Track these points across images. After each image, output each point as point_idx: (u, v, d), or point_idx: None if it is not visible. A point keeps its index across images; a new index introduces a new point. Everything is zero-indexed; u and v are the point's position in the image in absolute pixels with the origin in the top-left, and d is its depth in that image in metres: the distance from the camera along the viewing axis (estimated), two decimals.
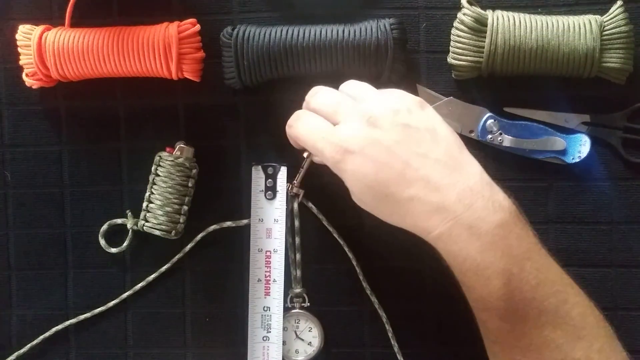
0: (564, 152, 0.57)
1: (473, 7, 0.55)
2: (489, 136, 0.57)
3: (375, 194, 0.48)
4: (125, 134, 0.60)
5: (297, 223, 0.58)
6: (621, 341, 0.58)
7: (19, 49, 0.57)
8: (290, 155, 0.58)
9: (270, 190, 0.59)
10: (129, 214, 0.59)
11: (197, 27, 0.57)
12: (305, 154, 0.56)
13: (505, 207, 0.46)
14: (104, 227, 0.60)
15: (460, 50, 0.56)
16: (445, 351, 0.59)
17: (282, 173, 0.58)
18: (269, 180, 0.58)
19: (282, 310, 0.58)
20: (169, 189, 0.58)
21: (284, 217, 0.58)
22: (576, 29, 0.54)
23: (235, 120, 0.60)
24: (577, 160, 0.57)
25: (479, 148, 0.58)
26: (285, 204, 0.58)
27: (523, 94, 0.58)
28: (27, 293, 0.61)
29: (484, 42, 0.55)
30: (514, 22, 0.54)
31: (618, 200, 0.58)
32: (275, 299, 0.58)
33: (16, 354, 0.60)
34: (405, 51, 0.57)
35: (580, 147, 0.57)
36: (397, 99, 0.49)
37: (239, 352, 0.59)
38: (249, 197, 0.59)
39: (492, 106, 0.58)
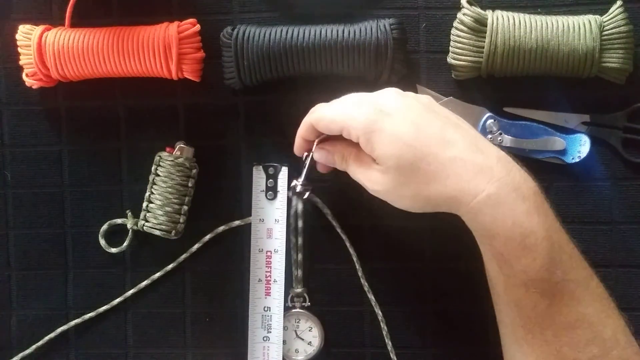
0: (564, 152, 0.57)
1: (473, 7, 0.55)
2: (489, 136, 0.57)
3: (415, 154, 0.45)
4: (125, 134, 0.60)
5: (300, 223, 0.58)
6: None
7: (19, 49, 0.58)
8: (291, 155, 0.58)
9: (271, 191, 0.59)
10: (129, 214, 0.59)
11: (197, 27, 0.57)
12: (304, 154, 0.56)
13: (532, 178, 0.47)
14: (104, 227, 0.60)
15: (460, 50, 0.56)
16: (445, 351, 0.59)
17: (283, 173, 0.58)
18: (270, 180, 0.58)
19: (282, 310, 0.58)
20: (169, 189, 0.58)
21: (285, 217, 0.58)
22: (576, 29, 0.54)
23: (235, 120, 0.60)
24: (577, 160, 0.57)
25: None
26: (286, 204, 0.58)
27: (523, 94, 0.58)
28: (27, 293, 0.61)
29: (484, 42, 0.55)
30: (514, 22, 0.54)
31: (618, 200, 0.58)
32: (276, 299, 0.58)
33: (20, 355, 0.60)
34: (405, 51, 0.57)
35: (580, 147, 0.57)
36: (415, 96, 0.51)
37: (239, 352, 0.59)
38: (249, 197, 0.59)
39: (492, 106, 0.58)
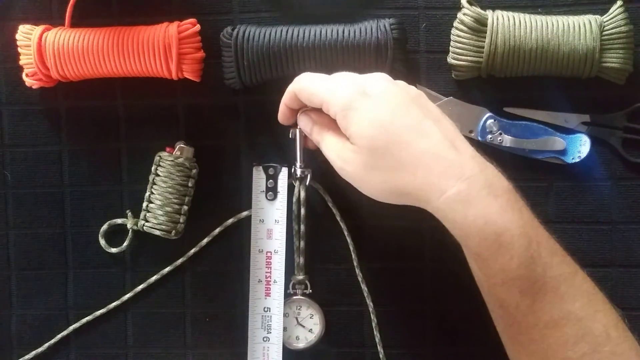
0: (564, 152, 0.57)
1: (473, 7, 0.55)
2: (489, 136, 0.57)
3: (388, 138, 0.45)
4: (125, 134, 0.60)
5: (303, 210, 0.58)
6: None
7: (19, 49, 0.58)
8: (291, 155, 0.58)
9: (271, 191, 0.58)
10: (129, 214, 0.59)
11: (197, 27, 0.57)
12: (291, 131, 0.56)
13: (505, 177, 0.46)
14: (104, 227, 0.60)
15: (460, 50, 0.56)
16: (444, 351, 0.59)
17: (283, 174, 0.58)
18: (270, 180, 0.58)
19: (282, 311, 0.58)
20: (169, 189, 0.58)
21: (285, 218, 0.58)
22: (576, 29, 0.54)
23: (235, 120, 0.60)
24: (577, 160, 0.57)
25: (479, 148, 0.58)
26: (286, 205, 0.58)
27: (523, 94, 0.58)
28: (27, 293, 0.61)
29: (484, 42, 0.55)
30: (514, 22, 0.54)
31: (618, 200, 0.58)
32: (276, 300, 0.58)
33: (24, 358, 0.61)
34: (405, 51, 0.57)
35: (580, 147, 0.57)
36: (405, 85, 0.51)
37: (239, 352, 0.59)
38: (249, 197, 0.59)
39: (492, 106, 0.58)
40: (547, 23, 0.54)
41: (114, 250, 0.60)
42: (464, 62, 0.56)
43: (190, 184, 0.58)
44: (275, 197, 0.59)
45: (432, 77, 0.58)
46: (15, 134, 0.61)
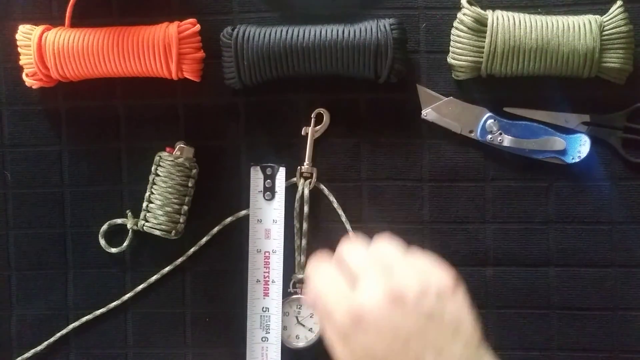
0: (564, 152, 0.57)
1: (473, 7, 0.55)
2: (489, 136, 0.57)
3: None
4: (125, 134, 0.60)
5: (306, 209, 0.58)
6: (621, 341, 0.59)
7: (19, 49, 0.57)
8: (291, 155, 0.58)
9: (269, 191, 0.59)
10: (129, 214, 0.59)
11: (197, 27, 0.57)
12: (303, 129, 0.56)
13: None
14: (104, 227, 0.60)
15: (460, 50, 0.56)
16: None
17: (281, 173, 0.58)
18: (268, 180, 0.58)
19: (281, 311, 0.58)
20: (169, 189, 0.58)
21: (283, 218, 0.58)
22: (576, 29, 0.54)
23: (235, 120, 0.60)
24: (577, 160, 0.57)
25: (479, 148, 0.58)
26: (283, 205, 0.58)
27: (523, 94, 0.58)
28: (27, 293, 0.61)
29: (484, 42, 0.55)
30: (514, 22, 0.54)
31: (618, 200, 0.58)
32: (274, 300, 0.58)
33: (20, 358, 0.60)
34: (405, 51, 0.57)
35: (580, 147, 0.57)
36: (428, 277, 0.43)
37: (239, 352, 0.59)
38: (248, 196, 0.59)
39: (492, 106, 0.58)
40: (547, 23, 0.54)
41: (114, 250, 0.60)
42: (464, 62, 0.56)
43: (190, 184, 0.58)
44: (273, 197, 0.59)
45: (432, 77, 0.58)
46: (15, 134, 0.61)
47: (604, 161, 0.58)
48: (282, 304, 0.59)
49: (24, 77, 0.58)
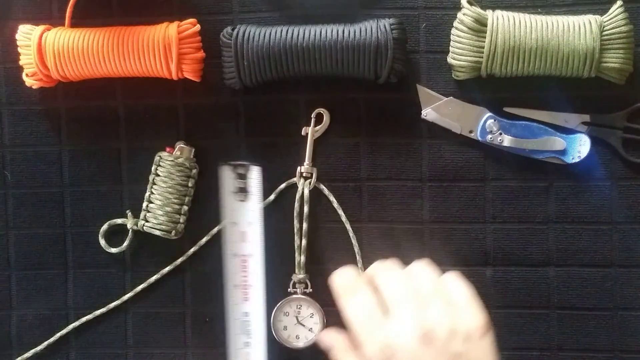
0: (564, 152, 0.57)
1: (473, 7, 0.55)
2: (489, 136, 0.57)
3: None
4: (125, 134, 0.60)
5: (306, 209, 0.58)
6: (621, 341, 0.59)
7: (19, 49, 0.58)
8: (291, 155, 0.58)
9: (242, 192, 0.57)
10: (129, 214, 0.59)
11: (197, 27, 0.57)
12: (303, 129, 0.56)
13: None
14: (104, 227, 0.60)
15: (460, 50, 0.56)
16: None
17: (255, 173, 0.56)
18: (240, 180, 0.56)
19: (263, 312, 0.57)
20: (169, 189, 0.58)
21: (259, 220, 0.57)
22: (576, 29, 0.54)
23: (235, 120, 0.60)
24: (577, 160, 0.57)
25: (479, 148, 0.58)
26: (259, 206, 0.56)
27: (523, 94, 0.58)
28: (27, 293, 0.61)
29: (484, 42, 0.55)
30: (514, 22, 0.54)
31: (618, 200, 0.58)
32: (255, 303, 0.57)
33: (20, 357, 0.61)
34: (405, 51, 0.57)
35: (580, 147, 0.57)
36: (460, 315, 0.44)
37: None
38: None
39: (492, 106, 0.58)
40: (547, 23, 0.54)
41: (114, 250, 0.60)
42: (464, 62, 0.56)
43: (190, 184, 0.58)
44: (247, 197, 0.56)
45: (432, 77, 0.58)
46: (15, 134, 0.61)
47: (604, 161, 0.58)
48: (282, 304, 0.59)
49: (24, 77, 0.58)
